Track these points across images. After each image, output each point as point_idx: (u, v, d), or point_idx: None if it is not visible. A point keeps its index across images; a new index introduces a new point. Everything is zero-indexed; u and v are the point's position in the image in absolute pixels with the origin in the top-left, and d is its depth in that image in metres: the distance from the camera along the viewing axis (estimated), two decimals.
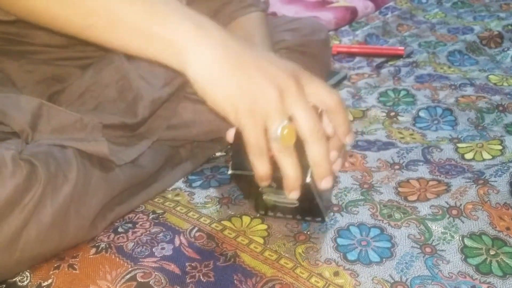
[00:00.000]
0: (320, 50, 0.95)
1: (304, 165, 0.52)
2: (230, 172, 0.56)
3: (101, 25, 0.50)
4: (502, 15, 1.39)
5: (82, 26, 0.52)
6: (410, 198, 0.67)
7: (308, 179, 0.54)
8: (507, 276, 0.55)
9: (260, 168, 0.51)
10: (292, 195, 0.52)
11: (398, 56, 1.19)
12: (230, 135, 0.56)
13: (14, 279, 0.56)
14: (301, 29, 0.94)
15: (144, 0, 0.49)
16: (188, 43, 0.48)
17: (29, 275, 0.56)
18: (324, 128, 0.51)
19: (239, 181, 0.60)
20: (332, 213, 0.65)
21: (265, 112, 0.48)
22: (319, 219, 0.62)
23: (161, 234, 0.62)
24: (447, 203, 0.64)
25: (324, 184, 0.52)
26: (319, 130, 0.49)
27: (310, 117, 0.49)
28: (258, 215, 0.65)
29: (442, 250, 0.58)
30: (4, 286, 0.56)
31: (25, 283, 0.56)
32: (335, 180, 0.69)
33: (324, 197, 0.60)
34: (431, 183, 0.69)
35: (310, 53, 0.92)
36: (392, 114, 0.91)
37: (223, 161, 0.79)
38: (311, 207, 0.59)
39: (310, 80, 0.52)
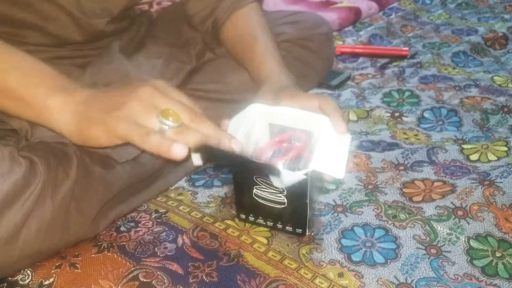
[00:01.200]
0: (322, 44, 0.94)
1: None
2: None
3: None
4: (506, 16, 1.38)
5: None
6: (415, 198, 0.66)
7: (308, 171, 0.54)
8: None
9: (156, 142, 0.48)
10: (234, 144, 0.52)
11: (402, 57, 1.18)
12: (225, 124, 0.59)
13: (16, 278, 0.56)
14: (303, 22, 0.93)
15: (16, 75, 0.52)
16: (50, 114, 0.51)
17: (30, 274, 0.56)
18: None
19: (237, 174, 0.60)
20: (336, 214, 0.64)
21: (133, 119, 0.48)
22: (300, 230, 0.60)
23: (163, 234, 0.61)
24: (453, 204, 0.64)
25: (234, 145, 0.52)
26: (195, 112, 0.52)
27: (183, 104, 0.51)
28: (237, 220, 0.64)
29: (448, 252, 0.58)
30: (6, 284, 0.55)
31: (27, 281, 0.55)
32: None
33: (312, 205, 0.59)
34: (436, 184, 0.69)
35: (312, 47, 0.91)
36: (397, 114, 0.90)
37: None
38: (297, 212, 0.59)
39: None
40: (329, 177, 0.57)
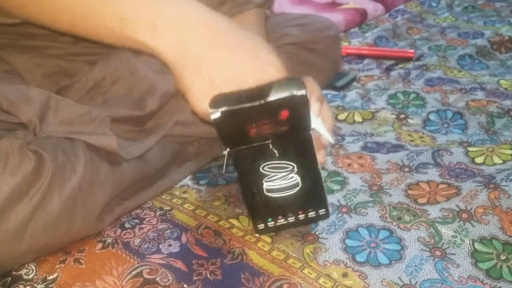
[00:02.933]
0: (329, 47, 0.94)
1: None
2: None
3: (84, 30, 0.54)
4: None
5: (69, 28, 0.56)
6: (420, 200, 0.66)
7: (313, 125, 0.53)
8: None
9: None
10: None
11: (408, 59, 1.18)
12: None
13: (20, 272, 0.56)
14: (310, 25, 0.93)
15: (116, 6, 0.51)
16: (157, 44, 0.51)
17: (34, 269, 0.56)
18: None
19: (237, 160, 0.56)
20: (340, 214, 0.64)
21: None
22: (323, 211, 0.59)
23: (168, 231, 0.61)
24: (458, 207, 0.64)
25: None
26: None
27: None
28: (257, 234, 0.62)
29: (452, 254, 0.58)
30: (10, 279, 0.55)
31: (31, 276, 0.55)
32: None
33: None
34: (441, 186, 0.69)
35: (318, 49, 0.91)
36: (402, 116, 0.90)
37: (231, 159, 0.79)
38: (314, 186, 0.57)
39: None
40: (324, 140, 0.57)
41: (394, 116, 0.90)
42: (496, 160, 0.74)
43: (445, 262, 0.56)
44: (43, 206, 0.52)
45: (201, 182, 0.72)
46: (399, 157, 0.76)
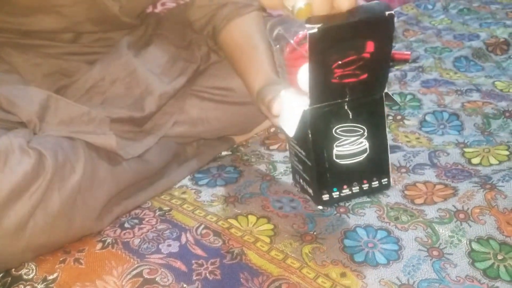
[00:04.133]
0: None
1: None
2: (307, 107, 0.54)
3: None
4: (508, 22, 1.38)
5: None
6: (417, 201, 0.67)
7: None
8: None
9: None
10: None
11: (404, 61, 1.19)
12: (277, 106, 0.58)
13: (19, 272, 0.56)
14: None
15: None
16: None
17: (34, 268, 0.56)
18: None
19: (312, 120, 0.57)
20: (338, 214, 0.65)
21: None
22: (385, 180, 0.61)
23: (167, 231, 0.62)
24: (455, 207, 0.64)
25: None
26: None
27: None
28: (318, 207, 0.63)
29: (450, 254, 0.58)
30: (9, 279, 0.56)
31: (31, 276, 0.56)
32: None
33: None
34: (438, 186, 0.69)
35: None
36: (399, 117, 0.90)
37: (229, 160, 0.79)
38: (380, 151, 0.59)
39: None
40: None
41: (390, 117, 0.91)
42: (492, 160, 0.75)
43: (443, 262, 0.57)
44: (42, 204, 0.53)
45: (200, 182, 0.73)
46: (396, 158, 0.77)
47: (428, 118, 0.90)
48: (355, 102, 0.55)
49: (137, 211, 0.66)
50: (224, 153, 0.82)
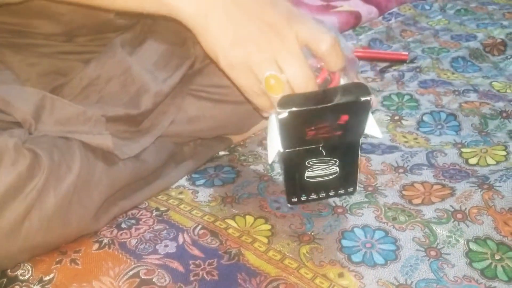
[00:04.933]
0: None
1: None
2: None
3: None
4: (505, 23, 1.39)
5: None
6: (415, 201, 0.67)
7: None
8: None
9: (259, 103, 0.54)
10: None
11: (401, 61, 1.19)
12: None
13: (15, 273, 0.56)
14: None
15: None
16: (175, 1, 0.52)
17: (30, 269, 0.56)
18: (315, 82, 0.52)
19: (287, 157, 0.59)
20: (336, 215, 0.65)
21: (247, 64, 0.50)
22: (351, 189, 0.64)
23: (164, 232, 0.62)
24: (452, 207, 0.64)
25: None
26: (309, 86, 0.51)
27: (301, 74, 0.50)
28: (289, 206, 0.66)
29: (447, 254, 0.58)
30: (5, 280, 0.55)
31: (27, 277, 0.55)
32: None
33: None
34: (435, 187, 0.69)
35: None
36: (396, 118, 0.90)
37: (227, 160, 0.79)
38: (349, 171, 0.62)
39: (302, 24, 0.52)
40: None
41: (388, 118, 0.91)
42: (490, 161, 0.75)
43: (440, 262, 0.57)
44: (38, 204, 0.52)
45: (197, 182, 0.72)
46: (394, 158, 0.77)
47: (425, 118, 0.90)
48: (330, 144, 0.59)
49: (134, 211, 0.65)
50: (221, 153, 0.82)
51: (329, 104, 0.52)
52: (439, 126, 0.88)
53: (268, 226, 0.63)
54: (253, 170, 0.75)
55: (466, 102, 0.96)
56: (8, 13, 0.65)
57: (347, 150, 0.60)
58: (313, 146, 0.58)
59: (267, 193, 0.69)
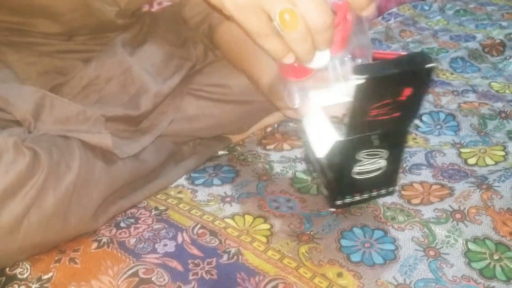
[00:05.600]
0: None
1: None
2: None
3: None
4: (504, 23, 1.39)
5: None
6: (414, 201, 0.67)
7: None
8: (511, 281, 0.55)
9: (271, 47, 0.48)
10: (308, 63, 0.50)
11: None
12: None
13: (14, 272, 0.55)
14: None
15: None
16: None
17: (29, 268, 0.56)
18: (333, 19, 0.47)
19: (341, 148, 0.58)
20: (335, 214, 0.65)
21: (257, 1, 0.45)
22: (392, 188, 0.64)
23: (163, 231, 0.62)
24: (451, 207, 0.64)
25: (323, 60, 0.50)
26: (326, 21, 0.45)
27: (317, 8, 0.45)
28: (329, 210, 0.66)
29: (446, 254, 0.58)
30: (4, 278, 0.55)
31: (25, 275, 0.55)
32: None
33: None
34: (434, 187, 0.69)
35: None
36: None
37: (226, 159, 0.79)
38: (393, 173, 0.62)
39: None
40: None
41: None
42: (488, 161, 0.75)
43: (439, 262, 0.57)
44: (37, 203, 0.52)
45: (197, 182, 0.72)
46: None
47: (424, 118, 0.90)
48: (382, 133, 0.58)
49: (133, 210, 0.65)
50: (220, 152, 0.82)
51: (400, 70, 0.50)
52: (438, 126, 0.88)
53: (267, 226, 0.63)
54: (252, 169, 0.75)
55: (465, 103, 0.96)
56: (9, 11, 0.65)
57: (396, 140, 0.59)
58: (371, 134, 0.57)
59: (266, 192, 0.69)
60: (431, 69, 0.52)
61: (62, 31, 0.69)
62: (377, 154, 0.60)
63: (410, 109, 0.56)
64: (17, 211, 0.51)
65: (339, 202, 0.63)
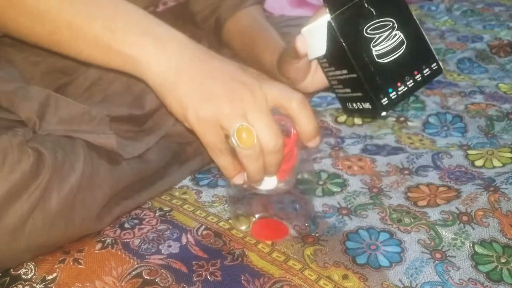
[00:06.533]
0: None
1: None
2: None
3: (66, 40, 0.52)
4: (511, 24, 1.38)
5: (49, 41, 0.54)
6: (420, 203, 0.66)
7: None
8: None
9: (223, 163, 0.53)
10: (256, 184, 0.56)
11: None
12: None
13: (18, 272, 0.55)
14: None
15: (105, 17, 0.50)
16: (144, 57, 0.50)
17: (33, 268, 0.56)
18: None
19: (340, 27, 0.55)
20: (340, 216, 0.64)
21: (217, 118, 0.50)
22: (435, 65, 0.57)
23: (168, 232, 0.61)
24: (458, 209, 0.64)
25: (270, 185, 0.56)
26: (277, 145, 0.50)
27: (271, 132, 0.50)
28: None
29: (452, 256, 0.57)
30: (8, 279, 0.55)
31: (30, 276, 0.55)
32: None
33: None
34: (441, 189, 0.69)
35: None
36: (402, 119, 0.90)
37: None
38: (419, 44, 0.57)
39: (271, 86, 0.52)
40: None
41: (393, 119, 0.90)
42: (496, 163, 0.74)
43: (446, 265, 0.56)
44: (41, 203, 0.52)
45: (201, 183, 0.72)
46: (399, 159, 0.76)
47: (431, 119, 0.89)
48: None
49: (137, 211, 0.65)
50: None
51: None
52: (445, 128, 0.87)
53: None
54: None
55: (472, 104, 0.95)
56: None
57: (395, 5, 0.56)
58: (358, 0, 0.54)
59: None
60: None
61: None
62: (386, 25, 0.55)
63: None
64: (21, 211, 0.51)
65: (384, 101, 0.57)
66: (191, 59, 0.51)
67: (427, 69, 0.57)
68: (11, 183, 0.50)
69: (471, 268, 0.56)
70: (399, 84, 0.57)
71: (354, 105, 0.61)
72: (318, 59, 0.62)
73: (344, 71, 0.58)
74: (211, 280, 0.54)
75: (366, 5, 0.55)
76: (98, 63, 0.53)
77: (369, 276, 0.55)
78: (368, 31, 0.55)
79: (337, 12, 0.55)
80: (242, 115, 0.49)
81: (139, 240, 0.60)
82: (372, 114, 0.65)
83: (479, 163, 0.75)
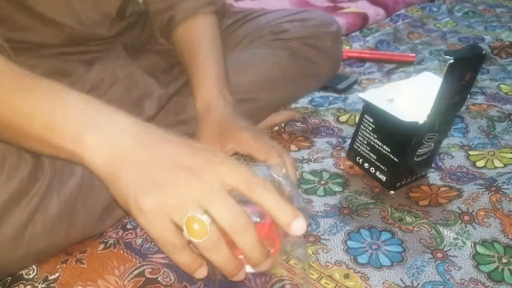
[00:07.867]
0: (331, 43, 0.90)
1: None
2: None
3: (12, 138, 0.48)
4: None
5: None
6: (421, 202, 0.66)
7: None
8: None
9: (179, 260, 0.45)
10: (236, 278, 0.47)
11: (409, 63, 1.19)
12: None
13: (20, 272, 0.55)
14: (310, 20, 0.89)
15: (42, 115, 0.45)
16: (85, 151, 0.45)
17: (35, 268, 0.56)
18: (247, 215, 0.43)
19: (422, 130, 0.64)
20: (342, 216, 0.64)
21: (163, 210, 0.42)
22: (425, 172, 0.72)
23: None
24: (459, 209, 0.64)
25: (263, 267, 0.47)
26: (241, 223, 0.42)
27: (229, 209, 0.42)
28: None
29: (454, 256, 0.58)
30: (10, 278, 0.55)
31: (32, 275, 0.55)
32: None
33: None
34: (442, 189, 0.69)
35: (320, 46, 0.88)
36: None
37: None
38: (434, 154, 0.71)
39: (228, 168, 0.44)
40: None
41: None
42: (497, 163, 0.74)
43: (447, 265, 0.56)
44: (41, 209, 0.52)
45: None
46: None
47: None
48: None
49: None
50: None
51: (483, 52, 0.60)
52: None
53: None
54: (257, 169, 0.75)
55: (473, 105, 0.95)
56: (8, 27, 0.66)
57: (447, 124, 0.68)
58: (448, 116, 0.66)
59: None
60: (485, 55, 0.61)
61: (62, 40, 0.69)
62: (433, 138, 0.65)
63: (464, 94, 0.63)
64: (21, 218, 0.50)
65: (398, 185, 0.69)
66: (135, 146, 0.45)
67: (424, 172, 0.72)
68: (9, 190, 0.49)
69: (473, 268, 0.56)
70: (409, 176, 0.70)
71: (366, 165, 0.72)
72: None
73: (388, 149, 0.68)
74: (213, 278, 0.54)
75: (437, 122, 0.64)
76: (49, 155, 0.49)
77: (370, 275, 0.55)
78: (426, 139, 0.65)
79: (430, 120, 0.63)
80: (194, 202, 0.42)
81: (141, 239, 0.60)
82: (379, 183, 0.71)
83: (480, 163, 0.75)
